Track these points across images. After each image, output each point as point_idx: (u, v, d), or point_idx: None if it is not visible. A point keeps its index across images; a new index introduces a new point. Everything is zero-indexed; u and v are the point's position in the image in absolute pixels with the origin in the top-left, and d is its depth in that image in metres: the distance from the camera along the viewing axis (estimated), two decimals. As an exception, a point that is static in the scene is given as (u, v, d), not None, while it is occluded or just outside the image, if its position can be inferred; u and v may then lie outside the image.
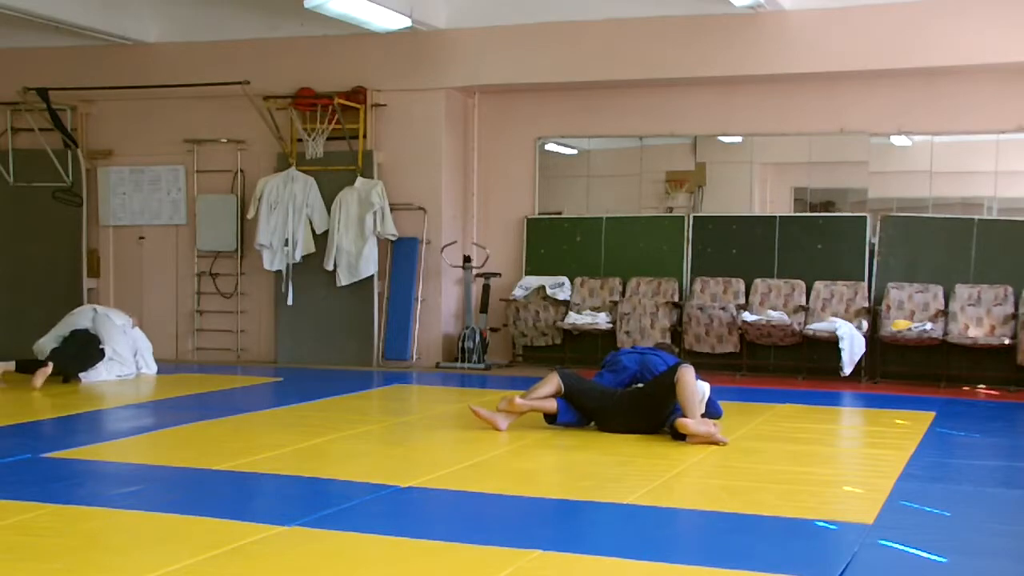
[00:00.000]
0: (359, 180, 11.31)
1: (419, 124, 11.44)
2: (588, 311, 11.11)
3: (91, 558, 4.34)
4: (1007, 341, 9.78)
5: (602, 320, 10.93)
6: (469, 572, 4.18)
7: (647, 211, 11.54)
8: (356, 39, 11.29)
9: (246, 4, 11.41)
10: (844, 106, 10.71)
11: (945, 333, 9.99)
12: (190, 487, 5.70)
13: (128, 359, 10.10)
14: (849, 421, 8.64)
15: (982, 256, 10.30)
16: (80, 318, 9.99)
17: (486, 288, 11.45)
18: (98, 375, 9.77)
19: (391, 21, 10.41)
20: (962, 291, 10.21)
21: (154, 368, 10.42)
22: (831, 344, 9.93)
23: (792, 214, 11.13)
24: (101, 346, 9.85)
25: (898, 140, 10.93)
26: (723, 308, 10.56)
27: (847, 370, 9.80)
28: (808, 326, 10.32)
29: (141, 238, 12.30)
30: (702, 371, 10.35)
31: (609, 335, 10.88)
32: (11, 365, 9.61)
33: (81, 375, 9.67)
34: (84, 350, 9.77)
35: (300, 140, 11.56)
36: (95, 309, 10.15)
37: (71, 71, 12.03)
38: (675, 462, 6.28)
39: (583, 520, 5.07)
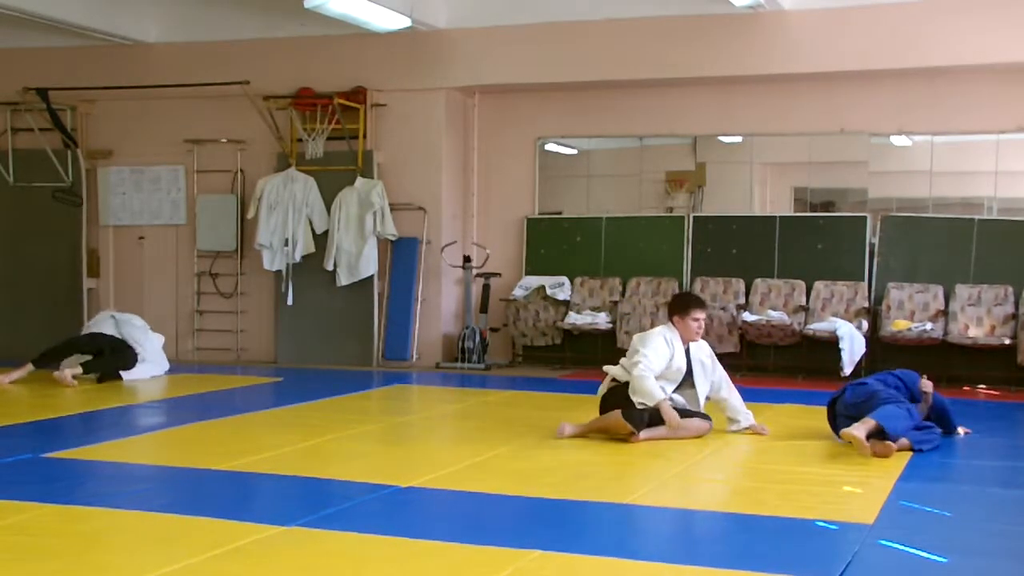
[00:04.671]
0: (359, 180, 11.31)
1: (419, 124, 11.44)
2: (588, 311, 11.11)
3: (91, 558, 4.34)
4: (1007, 341, 9.78)
5: (602, 320, 10.93)
6: (469, 572, 4.18)
7: (647, 211, 11.54)
8: (356, 39, 11.28)
9: (246, 4, 11.41)
10: (844, 106, 10.71)
11: (945, 333, 9.99)
12: (190, 487, 5.71)
13: (155, 359, 10.23)
14: (849, 421, 8.62)
15: (982, 256, 10.30)
16: (103, 326, 10.00)
17: (486, 288, 11.45)
18: (140, 375, 9.91)
19: (391, 21, 10.41)
20: (962, 291, 10.21)
21: (166, 366, 10.51)
22: (831, 344, 9.93)
23: (792, 214, 11.13)
24: (135, 351, 9.96)
25: (898, 140, 10.92)
26: (723, 308, 10.56)
27: (847, 370, 9.79)
28: (808, 326, 10.31)
29: (141, 238, 12.30)
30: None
31: (609, 335, 10.88)
32: (29, 367, 9.70)
33: (123, 373, 9.78)
34: (117, 352, 9.85)
35: (300, 140, 11.56)
36: (114, 316, 10.14)
37: (71, 71, 12.02)
38: (675, 462, 6.28)
39: (583, 520, 5.07)
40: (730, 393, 7.30)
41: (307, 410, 8.30)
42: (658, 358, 6.97)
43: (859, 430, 6.38)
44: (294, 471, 5.95)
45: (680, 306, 7.21)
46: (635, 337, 7.26)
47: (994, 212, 10.61)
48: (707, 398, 7.25)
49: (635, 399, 6.84)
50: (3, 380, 9.44)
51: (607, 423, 6.89)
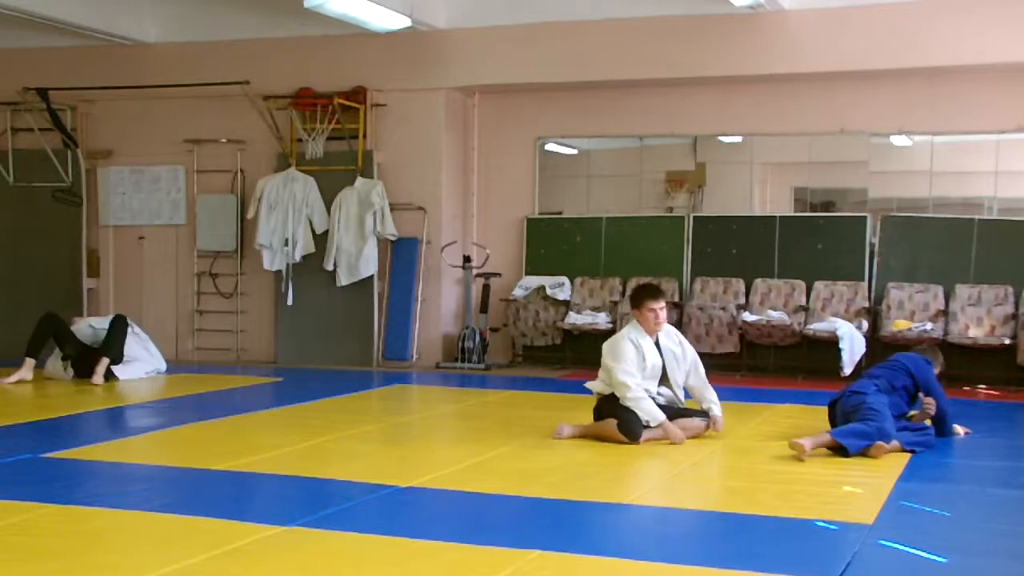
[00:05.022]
0: (359, 180, 11.31)
1: (419, 124, 11.44)
2: (588, 311, 11.11)
3: (91, 558, 4.34)
4: (1007, 341, 9.78)
5: (602, 320, 10.92)
6: (469, 572, 4.18)
7: (647, 211, 11.54)
8: (356, 39, 11.28)
9: (246, 4, 11.40)
10: (844, 106, 10.71)
11: (945, 333, 9.99)
12: (190, 487, 5.71)
13: (145, 356, 10.24)
14: (849, 421, 8.61)
15: (982, 256, 10.30)
16: (83, 335, 10.00)
17: (486, 288, 11.45)
18: (135, 374, 9.96)
19: (391, 21, 10.41)
20: (962, 291, 10.21)
21: (163, 366, 10.53)
22: (831, 344, 9.93)
23: (792, 214, 11.13)
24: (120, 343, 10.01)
25: (898, 140, 10.92)
26: (723, 308, 10.56)
27: (847, 370, 9.79)
28: (808, 326, 10.31)
29: (141, 238, 12.30)
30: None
31: (609, 335, 10.81)
32: (29, 362, 9.73)
33: (116, 372, 9.82)
34: (105, 344, 9.88)
35: (300, 140, 11.56)
36: (92, 325, 10.13)
37: (71, 71, 12.02)
38: (675, 462, 6.28)
39: (583, 520, 5.07)
40: (696, 378, 7.15)
41: (307, 410, 8.30)
42: (634, 367, 6.87)
43: (807, 442, 6.33)
44: (294, 471, 5.95)
45: (635, 300, 7.10)
46: (604, 347, 7.10)
47: (994, 212, 10.61)
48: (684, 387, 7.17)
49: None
50: (6, 382, 9.43)
51: (604, 432, 6.85)
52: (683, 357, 7.14)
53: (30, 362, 9.70)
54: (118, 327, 9.94)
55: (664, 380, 7.09)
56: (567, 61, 11.00)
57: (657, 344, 7.05)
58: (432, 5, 10.96)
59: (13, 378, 9.50)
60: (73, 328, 10.04)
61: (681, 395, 7.14)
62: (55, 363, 9.89)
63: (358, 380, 10.22)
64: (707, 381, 7.19)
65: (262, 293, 11.92)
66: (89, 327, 10.07)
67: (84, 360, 9.78)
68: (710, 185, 11.44)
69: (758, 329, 10.38)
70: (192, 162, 12.08)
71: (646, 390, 6.90)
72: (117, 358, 9.82)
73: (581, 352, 11.18)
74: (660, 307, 7.02)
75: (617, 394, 6.86)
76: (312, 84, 11.47)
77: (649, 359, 6.95)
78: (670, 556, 4.38)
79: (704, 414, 7.07)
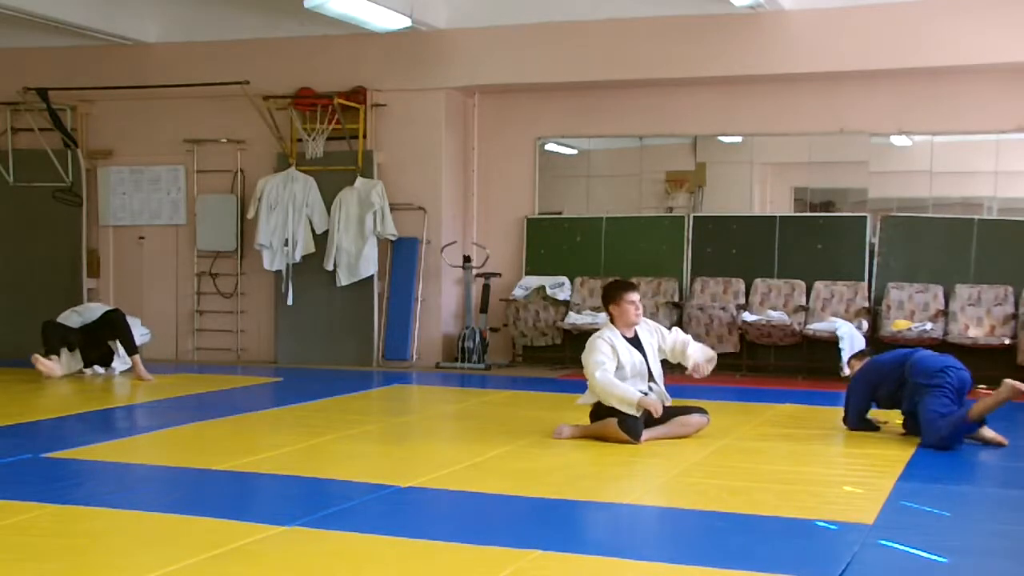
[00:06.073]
0: (359, 180, 11.31)
1: (419, 124, 11.44)
2: (588, 311, 11.10)
3: (91, 558, 4.34)
4: (1007, 341, 9.78)
5: (602, 320, 10.90)
6: (469, 572, 4.18)
7: (647, 211, 11.54)
8: (356, 39, 11.29)
9: (246, 4, 11.41)
10: (844, 106, 10.71)
11: (945, 333, 9.99)
12: (190, 487, 5.71)
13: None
14: (849, 421, 8.61)
15: (982, 256, 10.31)
16: (70, 322, 10.11)
17: (486, 288, 11.45)
18: (125, 365, 10.16)
19: (391, 21, 10.41)
20: (962, 291, 10.21)
21: (147, 337, 10.79)
22: (831, 344, 9.94)
23: (792, 214, 11.13)
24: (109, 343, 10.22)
25: (898, 140, 10.93)
26: (723, 308, 10.56)
27: (847, 370, 9.78)
28: (808, 326, 10.32)
29: (141, 238, 12.30)
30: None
31: (609, 335, 10.85)
32: (54, 359, 9.86)
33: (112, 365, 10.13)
34: (103, 329, 10.13)
35: (300, 140, 11.56)
36: (76, 311, 10.27)
37: (71, 71, 12.03)
38: (675, 462, 6.28)
39: (583, 520, 5.07)
40: (683, 345, 7.13)
41: (307, 410, 8.30)
42: (605, 358, 6.83)
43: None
44: (294, 471, 5.95)
45: (612, 295, 7.06)
46: (582, 358, 7.09)
47: (994, 212, 10.61)
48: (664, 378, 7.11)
49: (619, 408, 6.77)
50: (44, 363, 9.65)
51: (605, 431, 6.83)
52: (663, 344, 7.09)
53: (55, 358, 9.82)
54: (122, 323, 10.07)
55: (651, 376, 7.03)
56: (567, 61, 11.00)
57: (637, 339, 7.01)
58: (432, 5, 10.96)
59: (46, 366, 9.67)
60: (61, 320, 10.16)
61: (663, 389, 7.07)
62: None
63: (358, 380, 10.23)
64: (693, 341, 7.19)
65: (262, 293, 11.92)
66: (75, 314, 10.26)
67: (89, 344, 10.02)
68: (710, 185, 11.45)
69: (758, 329, 10.38)
70: (192, 162, 12.08)
71: (632, 388, 6.86)
72: (135, 349, 10.03)
73: (581, 352, 11.13)
74: (638, 299, 7.03)
75: (589, 384, 6.84)
76: (312, 84, 11.47)
77: (626, 357, 6.88)
78: (670, 556, 4.38)
79: (702, 411, 7.07)
